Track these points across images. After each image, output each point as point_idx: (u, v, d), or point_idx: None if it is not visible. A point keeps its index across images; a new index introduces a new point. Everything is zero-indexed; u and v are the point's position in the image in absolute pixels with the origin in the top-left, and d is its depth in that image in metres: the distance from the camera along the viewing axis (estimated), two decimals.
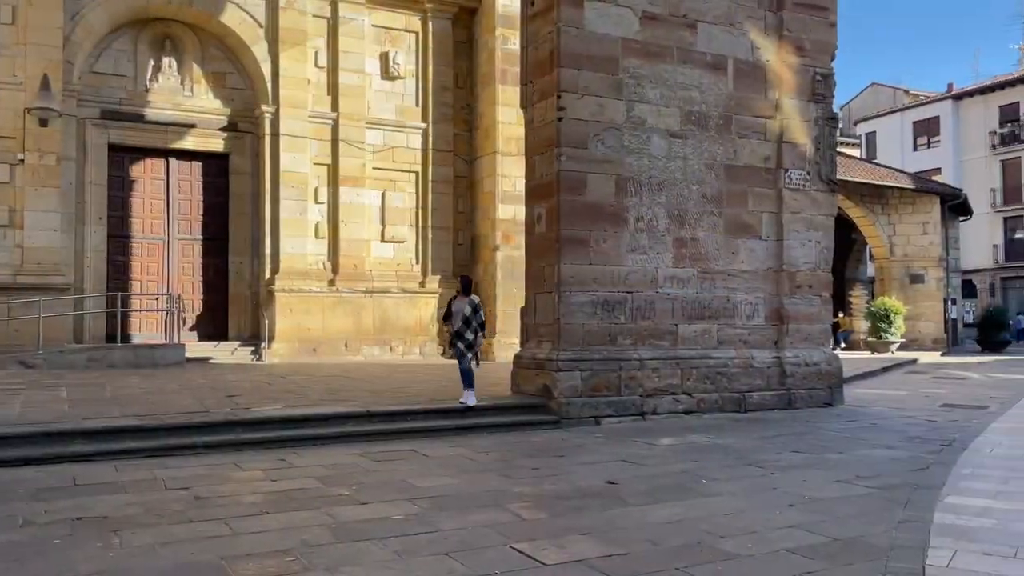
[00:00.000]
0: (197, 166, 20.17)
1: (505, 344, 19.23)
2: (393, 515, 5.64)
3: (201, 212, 20.20)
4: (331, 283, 19.77)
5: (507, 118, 20.12)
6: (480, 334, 10.27)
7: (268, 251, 19.53)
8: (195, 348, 18.50)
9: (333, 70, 20.14)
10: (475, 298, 10.29)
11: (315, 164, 19.93)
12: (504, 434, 9.55)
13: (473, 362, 10.15)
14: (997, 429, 9.89)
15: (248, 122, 20.10)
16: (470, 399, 9.96)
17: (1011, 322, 34.91)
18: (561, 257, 10.77)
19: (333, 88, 20.12)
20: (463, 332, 10.09)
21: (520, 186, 13.17)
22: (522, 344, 11.99)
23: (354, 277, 19.99)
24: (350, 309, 19.86)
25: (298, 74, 19.68)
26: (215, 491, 6.40)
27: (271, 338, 19.01)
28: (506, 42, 20.23)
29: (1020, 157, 42.12)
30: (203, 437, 8.31)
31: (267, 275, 19.48)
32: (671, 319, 11.50)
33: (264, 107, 19.54)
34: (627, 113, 11.23)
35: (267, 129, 19.56)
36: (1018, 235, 41.13)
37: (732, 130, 12.07)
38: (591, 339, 10.86)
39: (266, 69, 19.53)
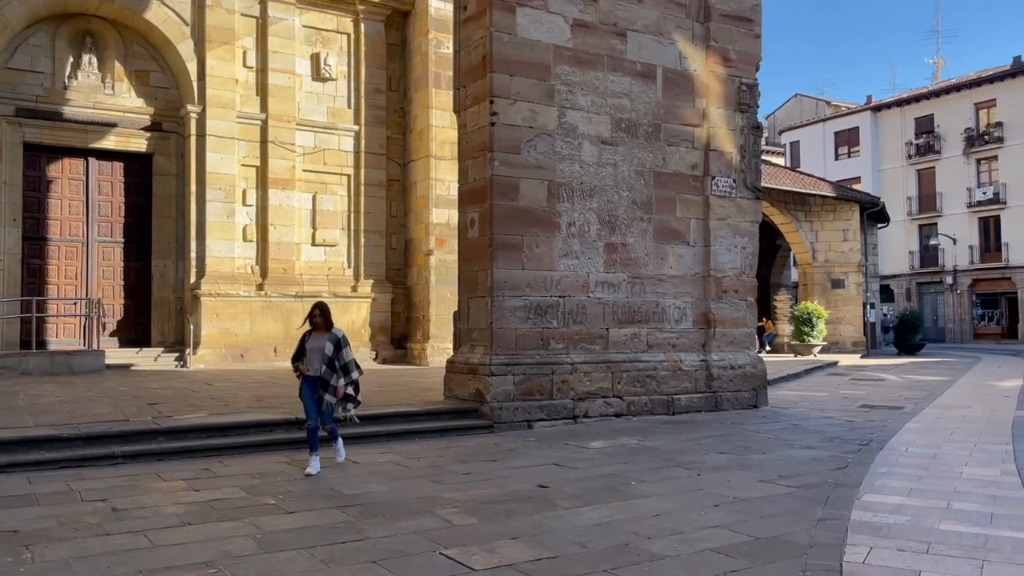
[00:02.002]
0: (119, 166, 19.53)
1: (439, 349, 19.17)
2: (320, 524, 5.55)
3: (123, 214, 19.55)
4: (260, 287, 19.37)
5: (441, 122, 20.07)
6: (349, 381, 7.69)
7: (194, 254, 19.01)
8: (116, 355, 17.88)
9: (262, 70, 19.76)
10: (338, 332, 7.75)
11: (243, 165, 19.50)
12: (436, 439, 9.50)
13: (349, 412, 7.86)
14: (911, 429, 10.29)
15: (173, 122, 19.56)
16: (315, 465, 7.32)
17: None
18: (494, 262, 10.79)
19: (262, 88, 19.73)
20: (328, 379, 7.60)
21: (454, 190, 13.15)
22: (455, 349, 11.97)
23: (284, 281, 19.63)
24: (280, 314, 19.48)
25: (226, 73, 19.24)
26: (134, 502, 6.20)
27: (196, 344, 18.50)
28: (440, 46, 20.19)
29: (934, 167, 44.06)
30: (122, 447, 8.04)
31: (192, 279, 18.96)
32: (602, 323, 11.63)
33: (190, 107, 19.03)
34: (559, 119, 11.33)
35: (193, 129, 19.05)
36: (932, 242, 43.02)
37: (661, 138, 12.29)
38: (524, 343, 10.90)
39: (192, 68, 19.03)
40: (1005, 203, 40.65)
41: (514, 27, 10.97)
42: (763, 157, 29.30)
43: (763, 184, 16.51)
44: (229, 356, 18.72)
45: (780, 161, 48.68)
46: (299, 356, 7.85)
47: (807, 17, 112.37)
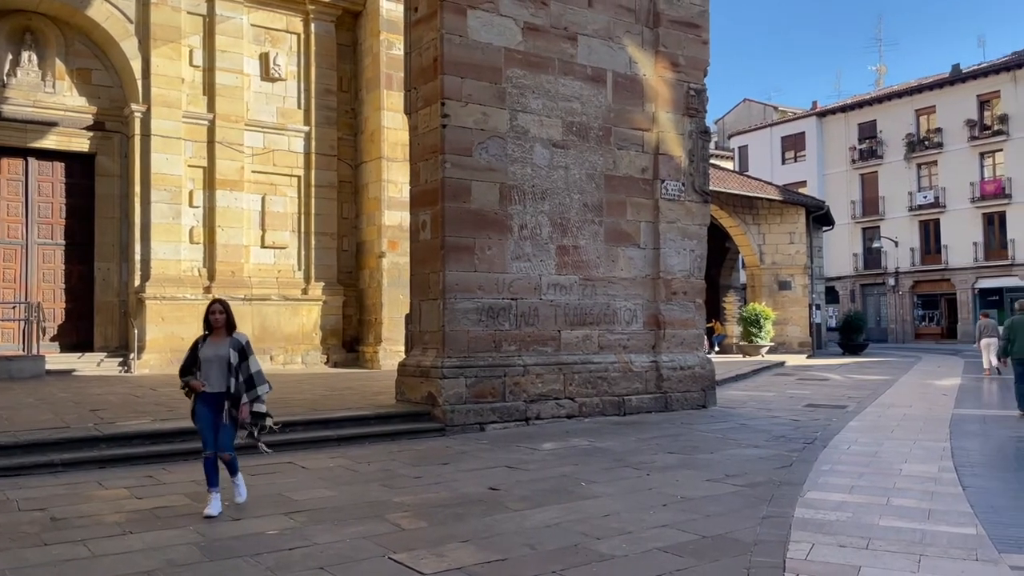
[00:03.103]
0: (60, 167, 19.02)
1: (391, 352, 19.05)
2: (267, 530, 5.48)
3: (64, 215, 19.04)
4: (207, 290, 19.00)
5: (393, 123, 19.96)
6: (255, 398, 6.23)
7: (138, 257, 18.59)
8: (57, 360, 17.40)
9: (210, 69, 19.43)
10: (242, 336, 6.35)
11: (190, 166, 19.14)
12: (387, 443, 9.44)
13: (268, 425, 6.41)
14: (854, 427, 10.55)
15: (117, 121, 19.11)
16: (215, 505, 5.93)
17: None
18: (446, 264, 10.77)
19: (209, 88, 19.40)
20: (239, 393, 6.14)
21: (407, 192, 13.09)
22: (407, 352, 11.92)
23: (232, 284, 19.29)
24: None
25: (171, 72, 18.87)
26: (74, 511, 6.04)
27: (141, 349, 18.09)
28: (391, 47, 20.09)
29: (877, 172, 45.24)
30: (62, 454, 7.83)
31: (137, 282, 18.54)
32: (554, 325, 11.68)
33: (134, 106, 18.61)
34: (511, 122, 11.36)
35: (137, 129, 18.64)
36: (875, 245, 44.17)
37: (612, 141, 12.40)
38: (476, 346, 10.90)
39: (136, 66, 18.62)
40: (944, 207, 41.93)
41: (465, 29, 10.97)
42: (712, 161, 29.75)
43: (712, 188, 16.80)
44: (175, 361, 18.13)
45: (729, 165, 49.50)
46: (190, 367, 6.22)
47: (755, 25, 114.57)
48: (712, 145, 55.21)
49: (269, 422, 6.38)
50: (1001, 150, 40.02)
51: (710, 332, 29.43)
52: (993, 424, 11.24)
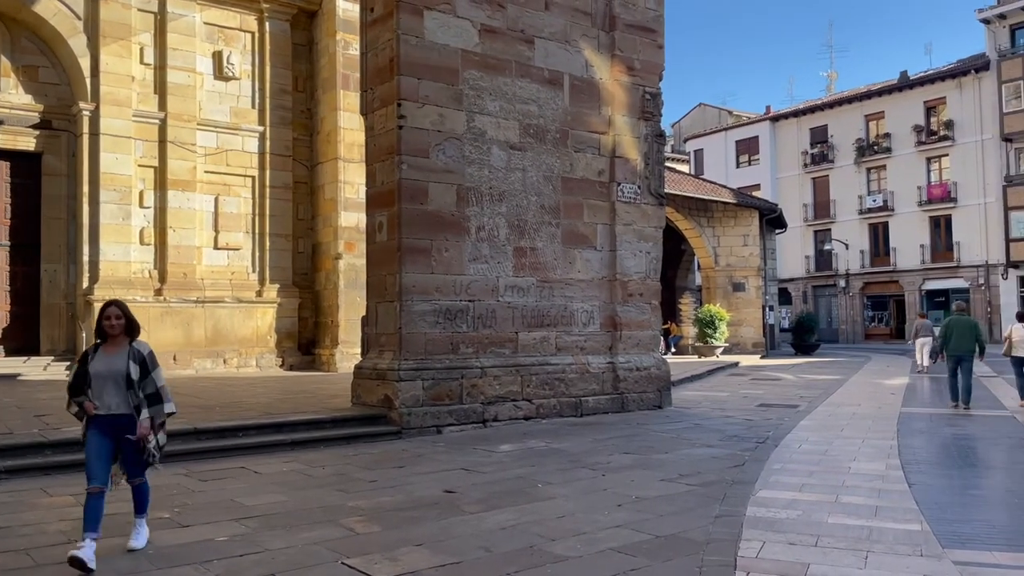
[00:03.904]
0: (4, 166, 18.50)
1: (348, 354, 18.88)
2: (217, 537, 5.38)
3: (9, 216, 18.51)
4: (158, 292, 18.64)
5: (349, 124, 19.79)
6: (159, 412, 5.15)
7: (86, 258, 18.14)
8: (1, 364, 16.91)
9: (161, 67, 19.06)
10: (143, 345, 5.21)
11: (140, 166, 18.75)
12: (343, 447, 9.35)
13: (152, 467, 5.25)
14: (805, 426, 10.74)
15: (64, 120, 18.64)
16: (141, 536, 5.18)
17: None
18: (403, 266, 10.71)
19: (161, 86, 19.03)
20: (137, 408, 5.05)
21: (363, 193, 12.97)
22: (363, 354, 11.81)
23: (184, 286, 18.95)
24: (179, 320, 18.81)
25: (121, 70, 18.46)
26: (17, 520, 5.87)
27: None
28: (348, 47, 19.93)
29: (828, 175, 46.16)
30: (5, 461, 7.61)
31: (85, 284, 18.09)
32: (512, 327, 11.69)
33: (82, 104, 18.17)
34: (468, 124, 11.34)
35: (86, 128, 18.20)
36: (826, 247, 45.04)
37: (569, 144, 12.45)
38: (433, 348, 10.85)
39: (85, 64, 18.20)
40: (893, 210, 42.94)
41: (421, 30, 10.93)
42: (668, 164, 30.04)
43: (668, 191, 16.97)
44: None
45: (685, 168, 50.08)
46: (79, 385, 5.09)
47: (710, 30, 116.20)
48: (668, 148, 55.91)
49: (153, 446, 5.12)
50: (947, 155, 41.12)
51: (666, 333, 29.75)
52: (939, 422, 11.54)
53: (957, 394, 12.89)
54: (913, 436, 9.94)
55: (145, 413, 5.07)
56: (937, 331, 16.17)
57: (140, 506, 5.24)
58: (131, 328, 5.22)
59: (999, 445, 9.57)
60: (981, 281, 39.36)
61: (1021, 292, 37.96)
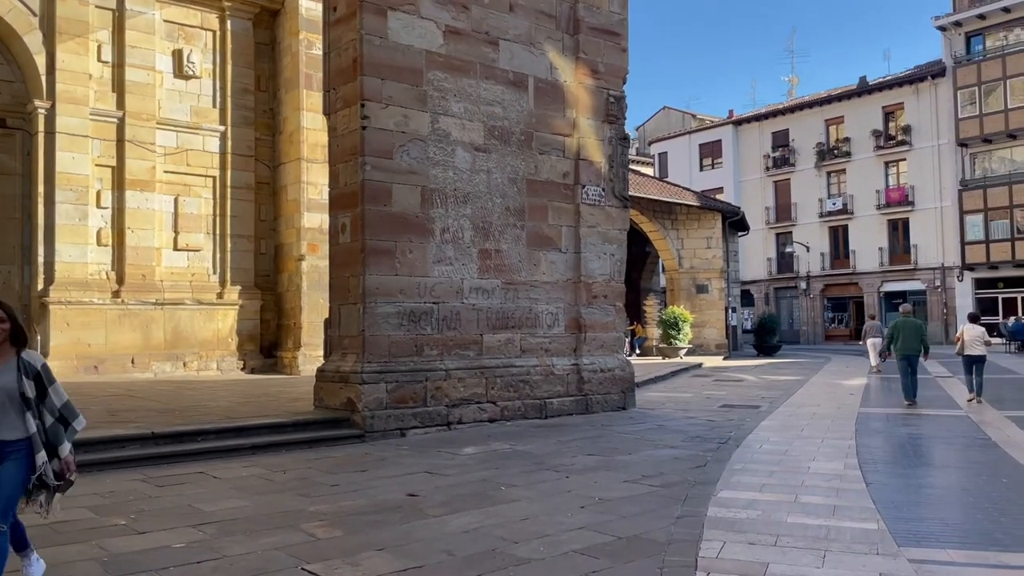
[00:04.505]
0: None
1: (311, 357, 18.68)
2: (174, 543, 5.28)
3: None
4: (116, 294, 18.30)
5: (313, 124, 19.61)
6: (59, 439, 4.25)
7: (41, 259, 17.74)
8: None
9: (119, 65, 18.70)
10: (35, 357, 4.27)
11: (98, 165, 18.39)
12: (305, 451, 9.24)
13: (47, 508, 4.32)
14: (766, 427, 10.87)
15: (18, 118, 18.20)
16: (37, 566, 4.45)
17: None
18: (366, 268, 10.62)
19: (119, 84, 18.68)
20: (55, 440, 4.25)
21: (327, 194, 12.87)
22: (326, 357, 11.70)
23: (143, 288, 18.62)
24: (138, 322, 18.47)
25: (78, 68, 18.10)
26: None
27: (45, 355, 17.24)
28: (311, 46, 19.75)
29: (789, 179, 46.82)
30: None
31: (40, 286, 17.69)
32: (476, 329, 11.66)
33: (38, 102, 17.76)
34: (432, 125, 11.29)
35: (41, 126, 17.80)
36: (787, 250, 45.70)
37: (533, 146, 12.47)
38: (397, 350, 10.78)
39: (41, 61, 17.79)
40: (852, 213, 43.69)
41: (385, 31, 10.86)
42: (633, 167, 30.19)
43: (633, 193, 17.07)
44: (82, 368, 17.58)
45: (649, 171, 50.50)
46: None
47: (674, 35, 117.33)
48: (633, 151, 56.32)
49: (54, 499, 4.32)
50: (905, 159, 41.95)
51: (632, 335, 29.95)
52: (895, 422, 11.75)
53: (911, 392, 13.48)
54: (871, 436, 10.12)
55: (66, 446, 4.26)
56: (886, 332, 16.99)
57: (22, 545, 4.41)
58: (18, 335, 4.21)
59: (953, 444, 9.77)
60: (937, 283, 40.22)
61: (976, 294, 38.86)
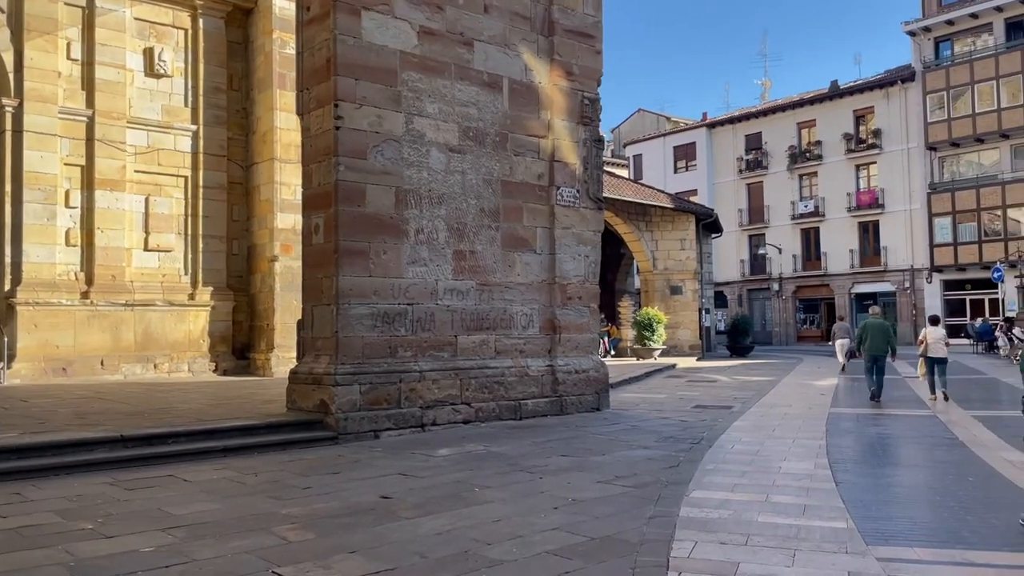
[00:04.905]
0: None
1: (284, 359, 18.53)
2: (143, 547, 5.21)
3: None
4: (85, 295, 18.03)
5: (286, 124, 19.46)
6: None
7: (8, 260, 17.44)
8: None
9: (89, 63, 18.44)
10: None
11: (67, 164, 18.11)
12: (277, 453, 9.16)
13: None
14: (738, 427, 10.96)
15: None
16: None
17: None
18: (340, 269, 10.56)
19: (89, 83, 18.42)
20: None
21: (300, 194, 12.78)
22: (299, 358, 11.61)
23: (112, 289, 18.36)
24: (107, 324, 18.22)
25: (47, 66, 17.82)
26: None
27: (12, 357, 16.96)
28: (284, 46, 19.60)
29: (762, 181, 47.27)
30: None
31: (7, 287, 17.39)
32: (451, 330, 11.64)
33: (5, 100, 17.46)
34: (406, 126, 11.25)
35: (8, 124, 17.50)
36: (760, 251, 46.13)
37: (508, 147, 12.47)
38: (371, 352, 10.73)
39: (8, 59, 17.50)
40: (824, 216, 44.20)
41: (359, 31, 10.81)
42: (608, 169, 30.24)
43: (607, 195, 17.15)
44: (50, 370, 17.31)
45: (624, 173, 50.70)
46: None
47: (649, 37, 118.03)
48: (608, 153, 56.54)
49: None
50: (875, 162, 42.53)
51: (606, 336, 30.04)
52: (865, 422, 11.91)
53: (876, 391, 14.15)
54: (841, 436, 10.24)
55: None
56: (855, 332, 18.09)
57: None
58: None
59: (921, 444, 9.92)
60: (907, 285, 40.81)
61: (944, 295, 39.48)
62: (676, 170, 51.56)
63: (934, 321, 15.06)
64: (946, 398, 13.69)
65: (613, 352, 30.57)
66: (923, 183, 39.88)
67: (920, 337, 14.93)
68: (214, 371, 19.60)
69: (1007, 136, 37.12)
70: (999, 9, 37.24)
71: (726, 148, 49.15)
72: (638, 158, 54.35)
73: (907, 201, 40.67)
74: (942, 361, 14.04)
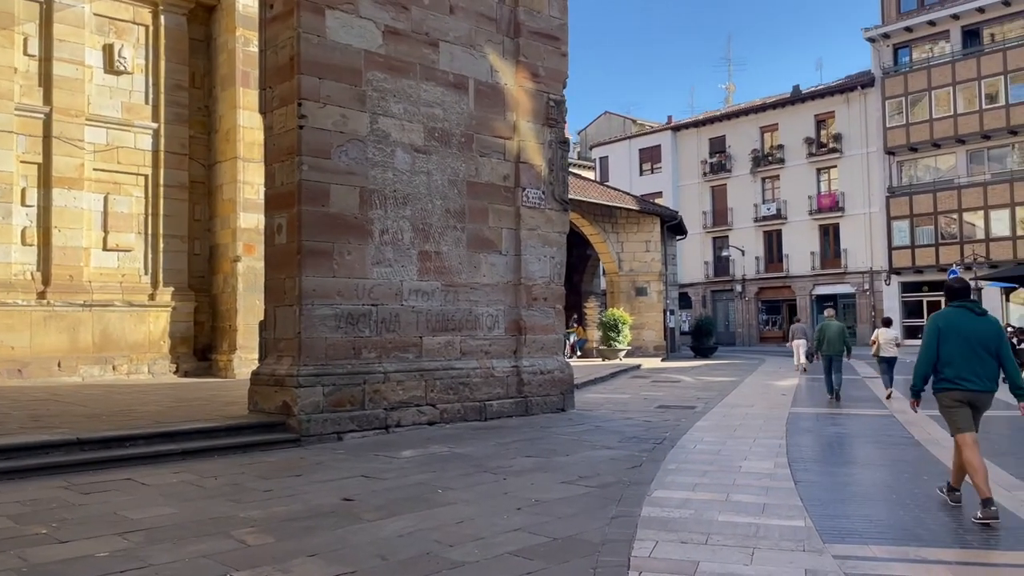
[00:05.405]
0: None
1: (247, 360, 18.34)
2: (98, 552, 5.11)
3: None
4: (41, 295, 17.66)
5: (249, 122, 19.25)
6: None
7: None
8: None
9: (46, 59, 18.08)
10: None
11: (22, 162, 17.74)
12: (238, 456, 9.05)
13: None
14: (701, 427, 11.06)
15: None
16: None
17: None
18: (303, 269, 10.46)
19: (46, 79, 18.05)
20: None
21: (264, 194, 12.64)
22: (261, 360, 11.49)
23: (70, 289, 18.01)
24: (65, 325, 17.86)
25: (2, 61, 17.44)
26: None
27: None
28: (248, 44, 19.39)
29: (726, 184, 47.80)
30: None
31: None
32: (416, 331, 11.59)
33: None
34: (371, 126, 11.19)
35: None
36: (724, 253, 46.64)
37: (474, 148, 12.46)
38: (334, 353, 10.64)
39: None
40: (786, 218, 44.82)
41: (323, 29, 10.73)
42: (574, 171, 30.32)
43: (574, 197, 17.24)
44: (5, 372, 16.91)
45: (591, 175, 50.95)
46: None
47: (614, 41, 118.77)
48: (575, 155, 56.81)
49: None
50: (836, 166, 43.22)
51: (572, 337, 30.14)
52: (824, 421, 12.10)
53: (832, 389, 14.86)
54: (800, 435, 10.39)
55: None
56: (811, 334, 19.24)
57: None
58: None
59: (879, 443, 10.10)
60: (866, 287, 41.54)
61: (902, 297, 40.26)
62: (642, 172, 51.93)
63: (887, 323, 15.96)
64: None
65: (579, 353, 30.68)
66: (882, 187, 40.62)
67: (873, 338, 15.65)
68: (175, 373, 19.31)
69: (963, 141, 37.94)
70: (956, 17, 38.06)
71: (691, 151, 49.63)
72: (604, 160, 54.64)
73: (866, 204, 41.40)
74: (892, 360, 14.86)
